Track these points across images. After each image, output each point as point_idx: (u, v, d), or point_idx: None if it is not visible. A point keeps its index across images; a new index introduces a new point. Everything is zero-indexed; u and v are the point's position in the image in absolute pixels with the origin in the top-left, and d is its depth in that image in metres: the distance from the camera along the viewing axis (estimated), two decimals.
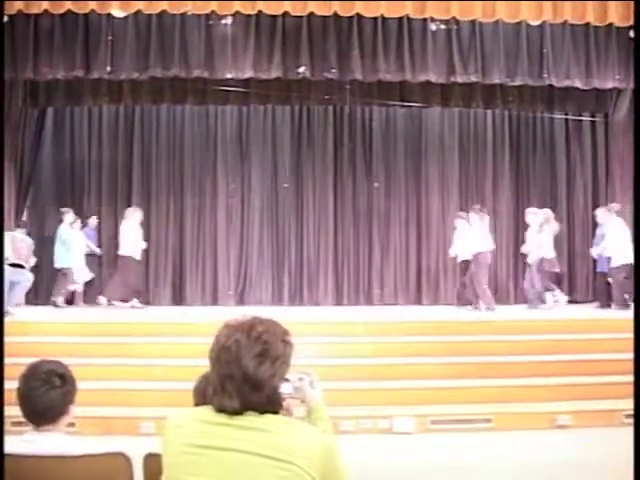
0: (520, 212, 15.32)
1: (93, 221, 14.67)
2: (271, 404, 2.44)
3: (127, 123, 15.42)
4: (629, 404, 8.62)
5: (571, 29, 12.34)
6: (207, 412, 2.46)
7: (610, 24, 11.62)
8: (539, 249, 13.16)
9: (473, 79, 12.64)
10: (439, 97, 14.46)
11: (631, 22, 11.35)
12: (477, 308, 12.93)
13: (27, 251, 12.20)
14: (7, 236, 11.50)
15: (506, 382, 9.48)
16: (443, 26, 12.36)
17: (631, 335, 9.63)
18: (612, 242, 12.89)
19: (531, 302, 13.35)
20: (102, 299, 13.47)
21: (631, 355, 9.04)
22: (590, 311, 13.10)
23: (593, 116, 15.34)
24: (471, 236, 13.13)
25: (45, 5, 10.88)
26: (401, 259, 15.03)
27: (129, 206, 14.28)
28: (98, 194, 15.20)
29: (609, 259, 13.01)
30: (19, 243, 11.96)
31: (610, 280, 13.15)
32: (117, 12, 11.46)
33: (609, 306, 13.17)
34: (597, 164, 15.45)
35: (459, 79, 12.59)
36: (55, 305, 13.33)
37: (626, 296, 12.73)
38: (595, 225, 14.12)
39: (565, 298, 13.36)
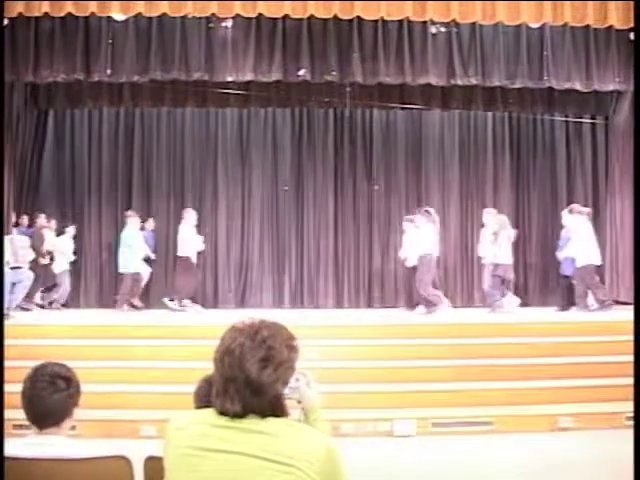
0: (520, 214, 15.35)
1: (150, 224, 14.70)
2: (273, 409, 2.43)
3: (127, 126, 15.44)
4: (631, 406, 8.64)
5: (571, 31, 12.36)
6: (209, 414, 2.46)
7: (610, 26, 11.61)
8: (495, 256, 13.01)
9: (473, 81, 12.65)
10: (439, 100, 14.51)
11: (631, 24, 11.35)
12: (430, 311, 12.73)
13: (25, 250, 12.17)
14: (6, 240, 11.49)
15: (507, 385, 9.46)
16: (443, 29, 12.37)
17: (632, 337, 9.66)
18: (576, 243, 12.89)
19: (490, 305, 13.20)
20: (168, 301, 13.69)
21: (632, 357, 9.07)
22: (591, 314, 13.08)
23: (593, 118, 15.37)
24: (418, 238, 13.01)
25: (45, 8, 10.87)
26: (401, 261, 15.00)
27: (128, 208, 14.31)
28: (98, 197, 15.22)
29: (573, 260, 13.01)
30: (18, 245, 11.92)
31: (574, 282, 13.13)
32: (117, 15, 11.46)
33: (569, 308, 13.17)
34: (597, 166, 15.48)
35: (459, 81, 12.60)
36: (124, 308, 13.44)
37: (589, 298, 12.75)
38: (596, 229, 14.10)
39: (517, 302, 13.25)
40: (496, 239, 13.01)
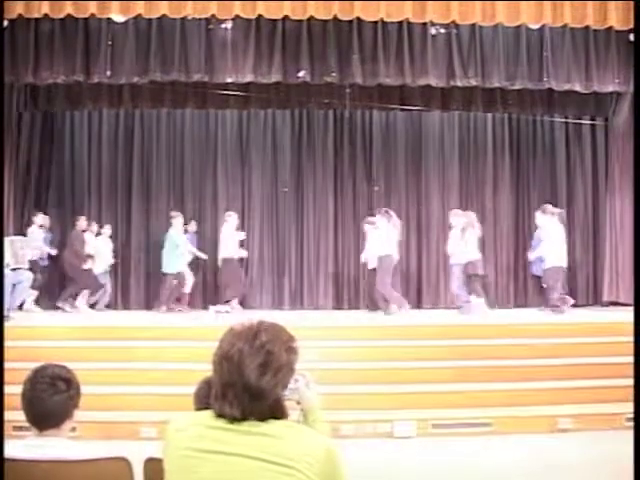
0: (520, 216, 15.34)
1: (193, 226, 14.72)
2: (273, 413, 2.43)
3: (127, 127, 15.44)
4: (630, 407, 8.64)
5: (571, 32, 12.36)
6: (209, 416, 2.45)
7: (610, 27, 11.61)
8: (463, 253, 12.97)
9: (473, 83, 12.65)
10: (439, 101, 14.50)
11: (631, 25, 11.36)
12: (388, 313, 12.64)
13: (25, 251, 12.17)
14: (6, 241, 11.49)
15: (507, 386, 9.46)
16: (443, 30, 12.38)
17: (631, 338, 9.66)
18: (545, 244, 12.92)
19: (460, 307, 13.20)
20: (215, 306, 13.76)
21: (632, 358, 9.07)
22: (592, 314, 13.10)
23: (593, 119, 15.37)
24: (378, 239, 12.97)
25: (45, 9, 10.87)
26: (401, 262, 14.97)
27: (129, 209, 14.32)
28: (98, 198, 15.22)
29: (543, 261, 13.04)
30: (18, 245, 11.92)
31: (544, 284, 13.14)
32: (117, 16, 11.46)
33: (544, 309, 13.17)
34: (597, 167, 15.48)
35: (459, 83, 12.61)
36: (162, 309, 13.55)
37: (558, 300, 12.76)
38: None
39: (482, 301, 13.13)
40: (463, 236, 12.98)
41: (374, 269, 13.12)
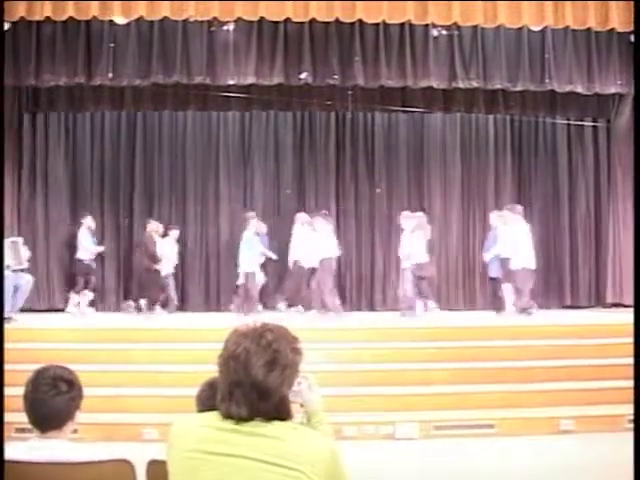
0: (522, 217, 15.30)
1: (263, 227, 14.63)
2: (279, 412, 2.44)
3: (129, 129, 15.42)
4: (632, 409, 8.63)
5: (573, 34, 12.37)
6: (214, 418, 2.46)
7: (612, 29, 11.61)
8: (411, 255, 12.88)
9: (475, 84, 12.67)
10: (441, 103, 14.52)
11: (633, 27, 11.36)
12: (325, 315, 12.59)
13: (25, 253, 12.18)
14: (7, 242, 11.49)
15: (509, 387, 9.47)
16: (445, 32, 12.39)
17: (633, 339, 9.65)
18: (516, 245, 12.79)
19: (403, 309, 13.10)
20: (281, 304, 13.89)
21: (635, 360, 9.05)
22: (594, 315, 13.10)
23: (595, 121, 15.35)
24: (318, 242, 12.88)
25: (47, 12, 10.87)
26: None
27: (131, 211, 14.34)
28: (100, 200, 15.18)
29: (508, 262, 12.91)
30: (20, 247, 11.93)
31: (512, 285, 12.98)
32: (119, 19, 11.47)
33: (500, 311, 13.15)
34: (599, 169, 15.46)
35: (461, 84, 12.63)
36: (232, 309, 13.65)
37: (530, 302, 12.72)
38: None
39: (434, 305, 13.17)
40: (412, 238, 12.91)
41: (312, 269, 13.10)
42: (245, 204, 15.44)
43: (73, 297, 13.82)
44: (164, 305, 14.12)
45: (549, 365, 9.87)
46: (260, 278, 14.03)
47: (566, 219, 15.53)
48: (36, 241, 14.01)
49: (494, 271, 13.34)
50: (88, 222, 13.90)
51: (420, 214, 13.40)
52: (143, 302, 13.79)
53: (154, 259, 13.75)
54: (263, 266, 14.22)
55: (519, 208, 13.24)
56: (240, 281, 13.59)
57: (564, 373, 9.68)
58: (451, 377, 9.63)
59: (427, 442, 8.50)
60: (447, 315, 13.25)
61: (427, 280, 13.03)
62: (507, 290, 13.07)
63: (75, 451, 3.15)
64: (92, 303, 13.93)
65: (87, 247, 13.83)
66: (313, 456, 2.36)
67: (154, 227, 14.06)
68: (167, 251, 14.25)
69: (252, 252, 13.45)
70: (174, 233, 14.52)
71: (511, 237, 12.83)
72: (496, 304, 13.28)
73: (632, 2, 10.85)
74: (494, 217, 13.47)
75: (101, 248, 14.16)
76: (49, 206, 14.76)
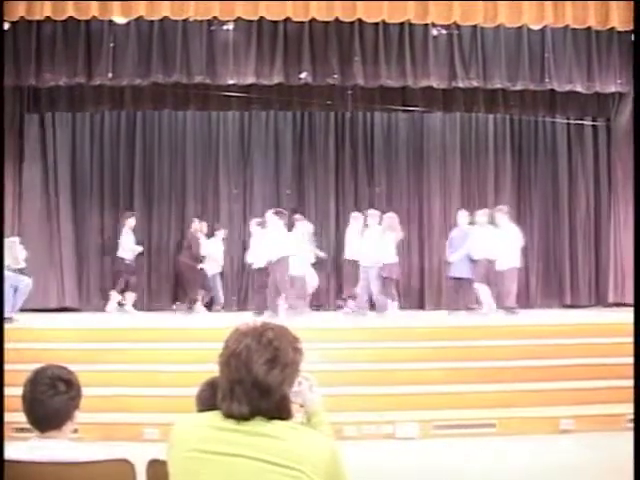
0: (522, 217, 15.31)
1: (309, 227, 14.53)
2: (280, 411, 2.44)
3: (129, 129, 15.41)
4: (632, 408, 8.63)
5: (572, 33, 12.38)
6: (214, 417, 2.46)
7: (612, 28, 11.60)
8: (380, 256, 12.75)
9: (475, 84, 12.69)
10: (441, 102, 14.52)
11: (632, 26, 11.36)
12: (276, 315, 12.27)
13: (21, 253, 12.17)
14: (7, 242, 11.49)
15: (509, 387, 9.47)
16: (445, 31, 12.41)
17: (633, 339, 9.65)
18: (503, 245, 12.81)
19: (357, 309, 13.11)
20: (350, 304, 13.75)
21: (635, 359, 9.06)
22: (595, 314, 13.09)
23: (595, 120, 15.36)
24: (273, 241, 12.57)
25: (47, 11, 10.86)
26: (403, 264, 14.94)
27: (127, 211, 14.33)
28: (100, 200, 15.17)
29: (491, 262, 12.94)
30: (16, 247, 11.92)
31: (497, 285, 12.98)
32: (119, 18, 11.46)
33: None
34: (599, 168, 15.47)
35: (461, 84, 12.64)
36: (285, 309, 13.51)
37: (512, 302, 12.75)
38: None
39: (396, 305, 13.13)
40: (382, 239, 12.80)
41: (262, 269, 12.88)
42: (245, 203, 15.46)
43: (114, 296, 13.88)
44: (208, 305, 14.22)
45: (548, 364, 9.87)
46: (313, 278, 13.99)
47: (566, 218, 15.53)
48: (35, 240, 13.95)
49: (464, 271, 13.15)
50: (131, 222, 13.99)
51: (391, 214, 13.28)
52: (186, 302, 13.98)
53: (198, 258, 13.87)
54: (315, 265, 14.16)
55: (506, 208, 13.28)
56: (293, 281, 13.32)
57: (564, 372, 9.68)
58: (451, 377, 9.63)
59: (427, 442, 8.50)
60: (433, 315, 13.32)
61: (394, 281, 13.08)
62: (484, 291, 13.08)
63: (75, 451, 3.16)
64: (133, 302, 13.93)
65: (129, 247, 13.90)
66: (313, 456, 2.36)
67: (198, 226, 14.18)
68: (213, 251, 14.30)
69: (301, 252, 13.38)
70: (221, 233, 14.58)
71: (498, 238, 12.85)
72: (461, 304, 13.26)
73: (632, 2, 10.85)
74: (463, 215, 13.40)
75: (140, 248, 14.17)
76: (50, 205, 14.75)
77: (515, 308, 12.66)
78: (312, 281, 13.87)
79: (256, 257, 13.15)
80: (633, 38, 11.54)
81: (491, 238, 12.87)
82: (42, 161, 14.77)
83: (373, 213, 13.32)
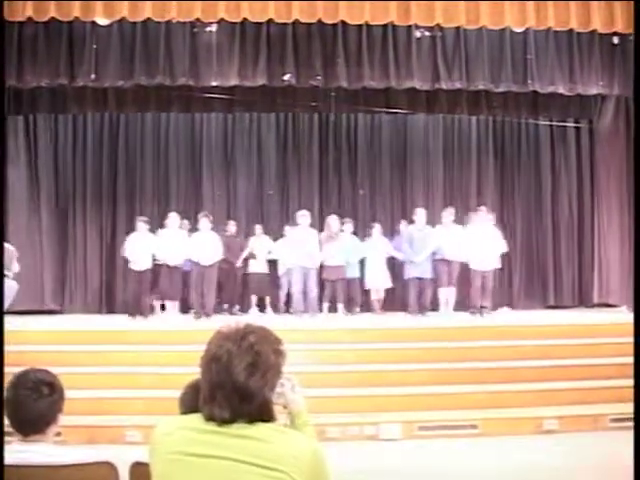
0: (505, 218, 15.36)
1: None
2: (262, 414, 2.43)
3: (112, 131, 15.37)
4: (615, 408, 8.70)
5: (555, 35, 12.41)
6: (196, 420, 2.45)
7: (593, 30, 11.63)
8: (322, 258, 13.20)
9: (458, 85, 12.69)
10: (424, 104, 14.53)
11: (614, 28, 11.40)
12: (200, 317, 12.71)
13: (10, 259, 12.09)
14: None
15: (492, 388, 9.49)
16: (428, 33, 12.40)
17: (616, 340, 9.74)
18: (483, 247, 12.88)
19: (298, 311, 13.20)
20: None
21: (617, 360, 9.14)
22: (578, 315, 13.14)
23: (577, 122, 15.43)
24: (203, 244, 12.92)
25: (29, 12, 10.79)
26: (387, 266, 14.97)
27: (115, 213, 14.30)
28: (83, 202, 15.12)
29: (462, 263, 13.10)
30: (12, 253, 11.85)
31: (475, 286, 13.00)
32: (101, 19, 11.41)
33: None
34: (582, 169, 15.53)
35: (444, 85, 12.64)
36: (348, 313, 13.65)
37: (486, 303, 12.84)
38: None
39: (341, 306, 13.36)
40: (335, 239, 13.28)
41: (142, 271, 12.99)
42: (228, 205, 15.45)
43: (154, 301, 13.75)
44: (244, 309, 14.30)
45: (532, 365, 9.91)
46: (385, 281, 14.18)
47: (549, 219, 15.59)
48: (16, 241, 13.84)
49: (426, 271, 13.18)
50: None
51: (348, 219, 13.91)
52: (226, 305, 14.07)
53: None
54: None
55: (485, 209, 13.36)
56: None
57: (547, 373, 9.72)
58: (434, 378, 9.65)
59: (411, 442, 8.51)
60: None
61: (332, 283, 13.40)
62: (450, 292, 13.17)
63: (58, 454, 3.14)
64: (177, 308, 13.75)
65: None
66: (296, 457, 2.35)
67: (232, 229, 14.35)
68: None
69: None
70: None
71: (474, 238, 12.94)
72: (427, 304, 13.30)
73: (632, 2, 10.87)
74: (421, 213, 13.43)
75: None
76: (31, 208, 14.68)
77: (487, 308, 12.73)
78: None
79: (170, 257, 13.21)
80: (633, 39, 11.52)
81: (462, 238, 12.98)
82: (25, 163, 14.71)
83: (332, 218, 13.76)
